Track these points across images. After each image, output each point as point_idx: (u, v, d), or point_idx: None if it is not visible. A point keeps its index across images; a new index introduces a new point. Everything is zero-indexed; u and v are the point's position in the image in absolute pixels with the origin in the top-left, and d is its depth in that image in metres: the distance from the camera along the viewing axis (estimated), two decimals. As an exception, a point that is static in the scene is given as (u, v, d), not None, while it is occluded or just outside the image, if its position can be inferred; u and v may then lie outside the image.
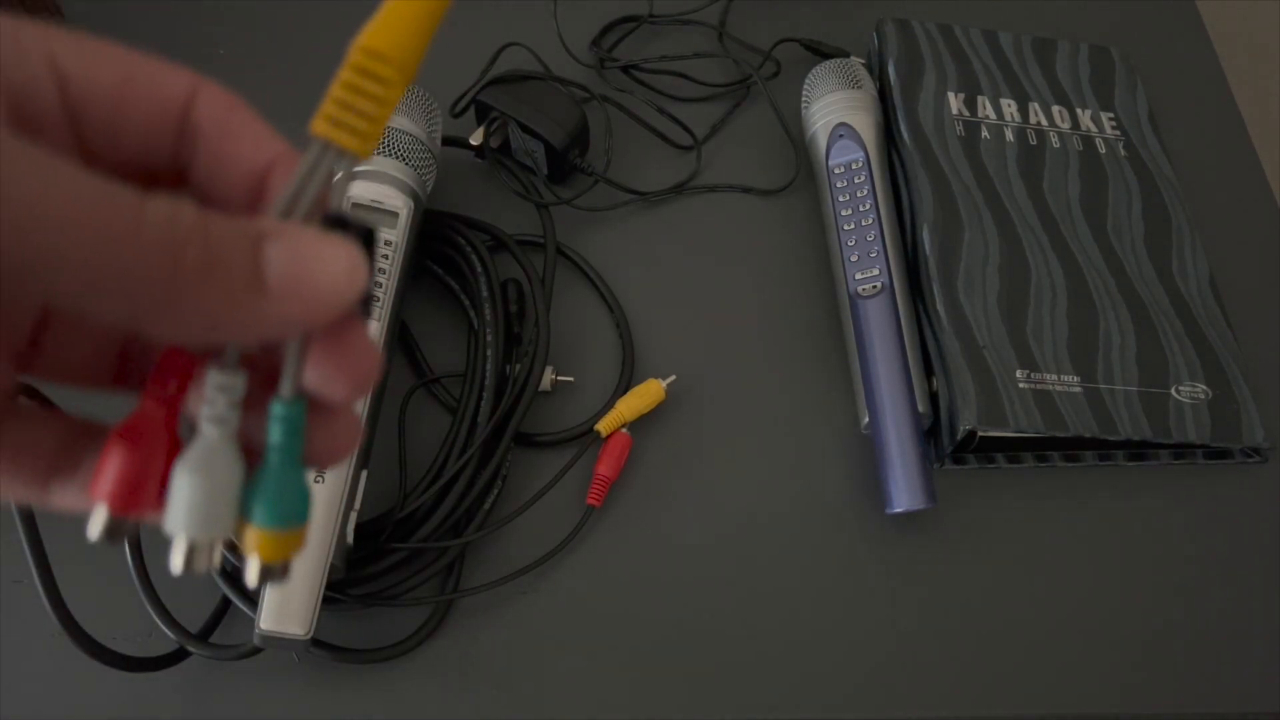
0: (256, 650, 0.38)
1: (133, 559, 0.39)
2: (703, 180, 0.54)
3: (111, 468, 0.16)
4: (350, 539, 0.39)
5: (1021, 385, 0.45)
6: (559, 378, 0.47)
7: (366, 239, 0.17)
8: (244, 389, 0.17)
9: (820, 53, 0.58)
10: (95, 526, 0.16)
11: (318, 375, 0.17)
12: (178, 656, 0.39)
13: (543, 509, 0.44)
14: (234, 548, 0.18)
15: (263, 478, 0.17)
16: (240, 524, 0.17)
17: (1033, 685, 0.42)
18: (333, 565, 0.37)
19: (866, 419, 0.45)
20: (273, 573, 0.17)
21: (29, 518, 0.36)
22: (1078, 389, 0.45)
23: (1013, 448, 0.47)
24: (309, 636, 0.36)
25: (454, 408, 0.46)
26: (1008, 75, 0.55)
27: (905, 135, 0.51)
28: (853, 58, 0.55)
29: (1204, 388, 0.47)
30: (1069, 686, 0.42)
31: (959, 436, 0.43)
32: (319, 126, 0.16)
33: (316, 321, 0.16)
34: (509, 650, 0.41)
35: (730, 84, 0.57)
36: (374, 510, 0.42)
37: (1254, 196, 0.57)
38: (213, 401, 0.17)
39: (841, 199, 0.50)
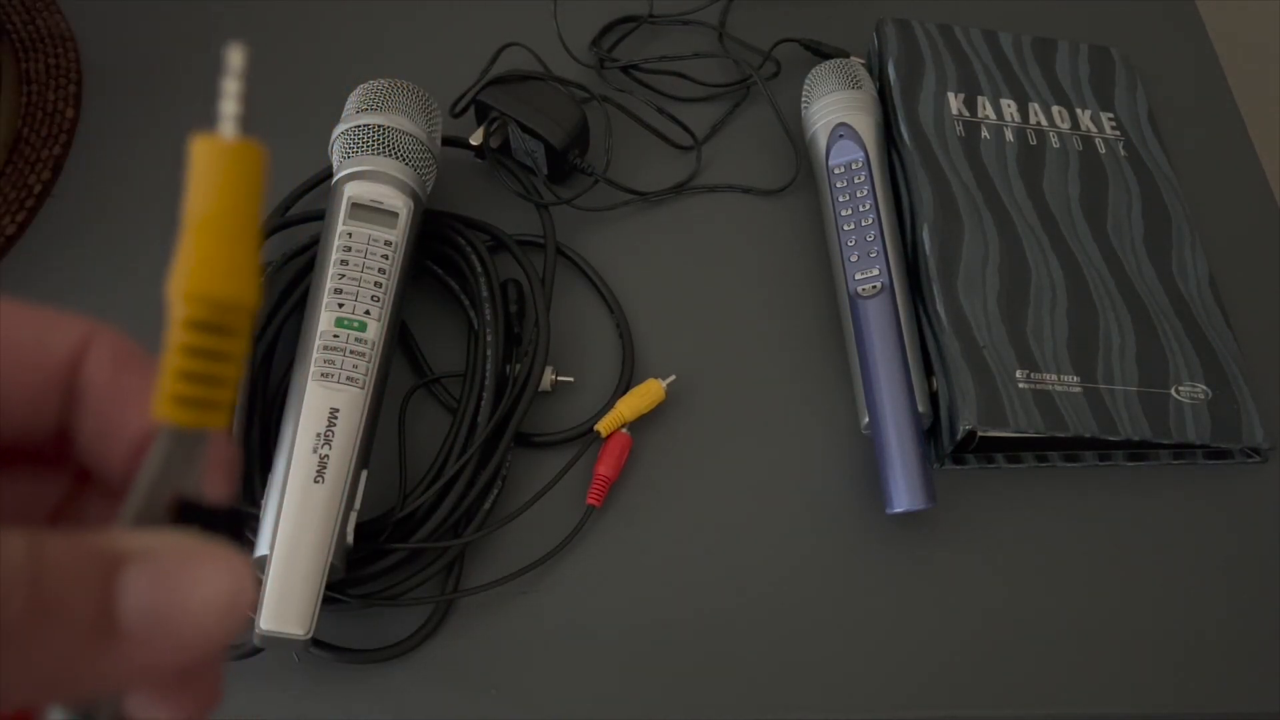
0: (256, 650, 0.38)
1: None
2: (703, 180, 0.54)
3: None
4: (350, 539, 0.38)
5: (1021, 385, 0.45)
6: (559, 378, 0.47)
7: (233, 524, 0.14)
8: None
9: (820, 53, 0.58)
10: None
11: (146, 699, 0.14)
12: (177, 656, 0.39)
13: (543, 509, 0.44)
14: None
15: None
16: None
17: (1033, 685, 0.42)
18: (332, 565, 0.37)
19: (866, 419, 0.45)
20: None
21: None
22: (1077, 389, 0.45)
23: (1013, 448, 0.47)
24: (309, 636, 0.36)
25: (454, 408, 0.46)
26: (1008, 75, 0.55)
27: (905, 135, 0.51)
28: (853, 58, 0.55)
29: (1204, 388, 0.47)
30: (1070, 687, 0.42)
31: (959, 436, 0.43)
32: (163, 411, 0.13)
33: (182, 666, 0.13)
34: (509, 650, 0.41)
35: (730, 84, 0.57)
36: (374, 510, 0.42)
37: (1254, 196, 0.57)
38: None
39: (841, 199, 0.50)
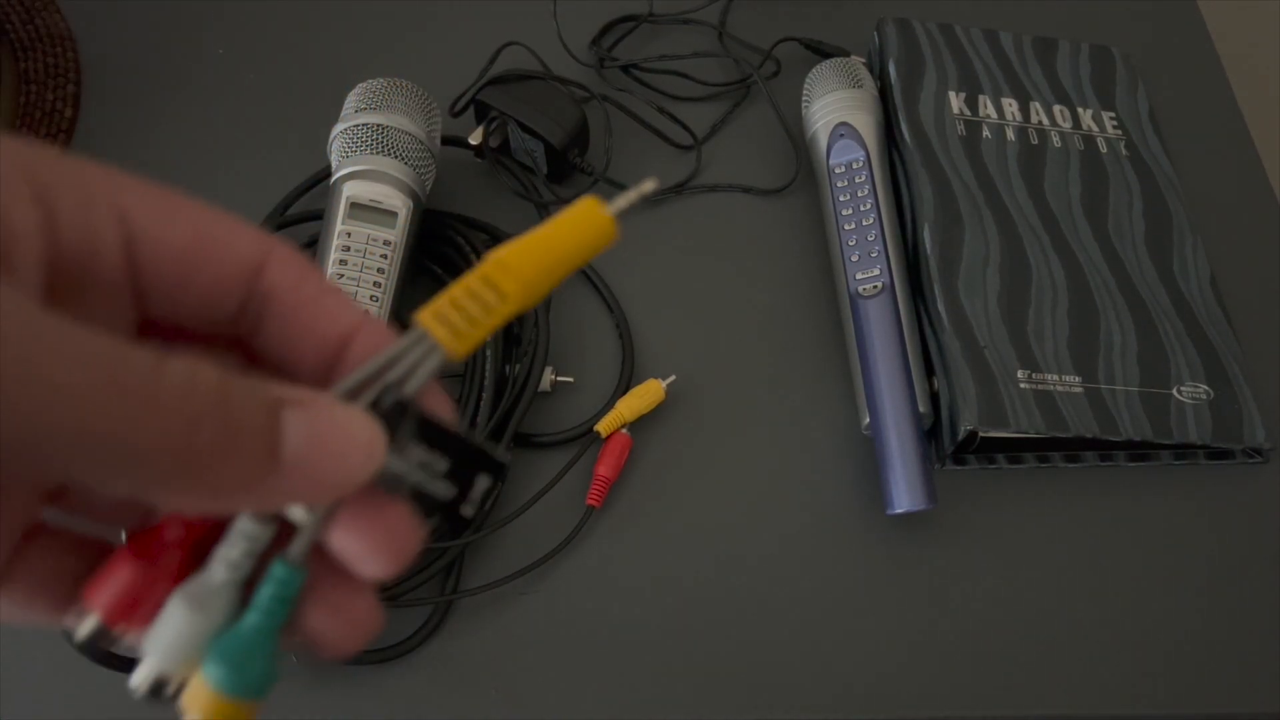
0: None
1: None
2: (703, 180, 0.54)
3: (114, 580, 0.16)
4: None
5: (1022, 385, 0.44)
6: (559, 378, 0.47)
7: (395, 416, 0.16)
8: (267, 542, 0.16)
9: (821, 52, 0.58)
10: (82, 631, 0.16)
11: (349, 546, 0.16)
12: (176, 657, 0.39)
13: (542, 509, 0.44)
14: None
15: (233, 634, 0.16)
16: (192, 686, 0.16)
17: (1034, 686, 0.42)
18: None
19: (867, 419, 0.45)
20: None
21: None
22: (1079, 389, 0.45)
23: (1014, 448, 0.46)
24: (308, 637, 0.36)
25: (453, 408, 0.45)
26: (1009, 75, 0.55)
27: (906, 134, 0.51)
28: (853, 57, 0.55)
29: (1205, 388, 0.46)
30: (1071, 687, 0.42)
31: (960, 437, 0.43)
32: (424, 317, 0.16)
33: (326, 499, 0.15)
34: (509, 651, 0.41)
35: (730, 83, 0.57)
36: (373, 511, 0.42)
37: (1255, 196, 0.56)
38: (232, 543, 0.16)
39: (842, 198, 0.50)
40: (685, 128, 0.55)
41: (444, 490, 0.17)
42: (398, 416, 0.16)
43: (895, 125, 0.52)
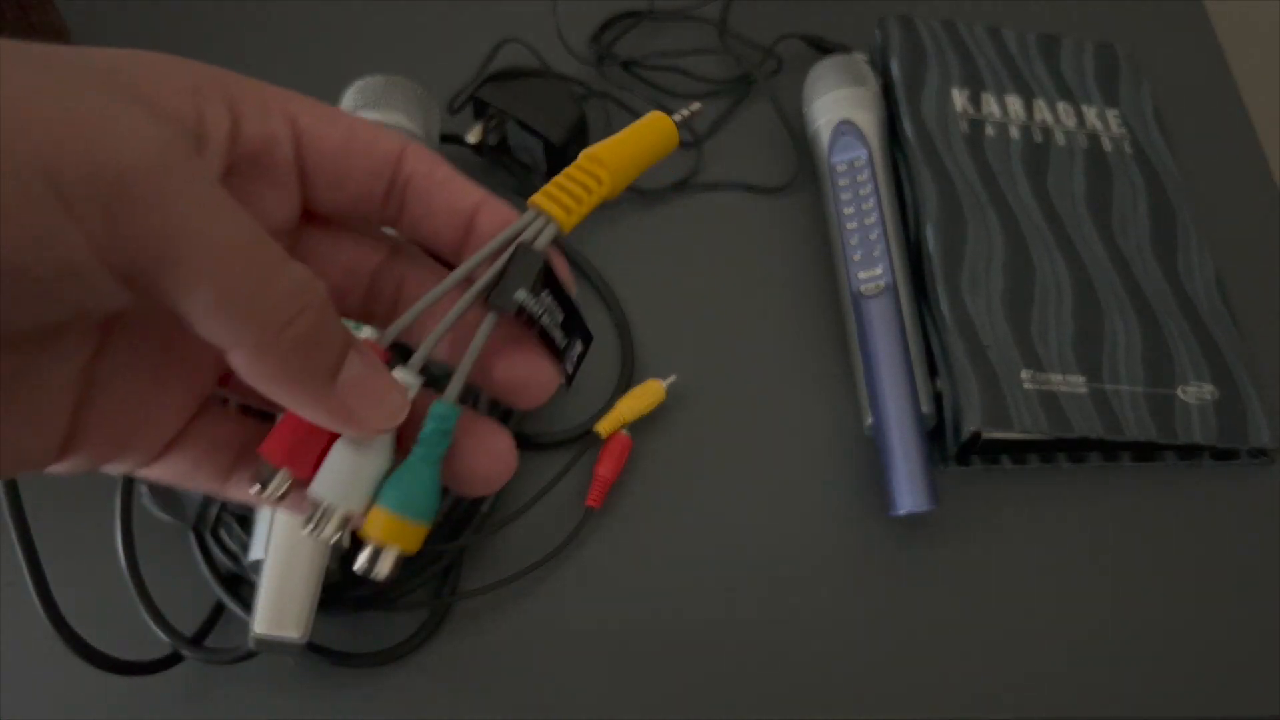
0: (251, 654, 0.38)
1: (126, 562, 0.39)
2: (703, 178, 0.54)
3: (282, 433, 0.18)
4: (346, 542, 0.38)
5: (1026, 386, 0.44)
6: (558, 378, 0.46)
7: (569, 308, 0.20)
8: (417, 388, 0.19)
9: (823, 49, 0.57)
10: (261, 477, 0.18)
11: (507, 376, 0.20)
12: (171, 660, 0.38)
13: (542, 511, 0.43)
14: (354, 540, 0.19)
15: (402, 469, 0.19)
16: (370, 507, 0.18)
17: (1037, 688, 0.42)
18: (328, 568, 0.37)
19: (869, 420, 0.45)
20: (381, 562, 0.18)
21: (21, 520, 0.35)
22: (1083, 389, 0.45)
23: (1018, 449, 0.46)
24: (304, 640, 0.36)
25: (452, 408, 0.45)
26: (1012, 72, 0.55)
27: (909, 132, 0.51)
28: (856, 54, 0.54)
29: (1210, 388, 0.46)
30: (1075, 689, 0.42)
31: (963, 438, 0.43)
32: (537, 199, 0.20)
33: (353, 430, 0.18)
34: (508, 654, 0.41)
35: (731, 80, 0.57)
36: (371, 512, 0.42)
37: (1260, 195, 0.56)
38: None
39: (844, 197, 0.49)
40: (686, 125, 0.55)
41: (560, 339, 0.20)
42: (534, 263, 0.19)
43: (898, 123, 0.52)
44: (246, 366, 0.16)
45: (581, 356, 0.21)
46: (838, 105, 0.51)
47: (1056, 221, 0.49)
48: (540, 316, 0.19)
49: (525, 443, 0.45)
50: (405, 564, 0.41)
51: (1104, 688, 0.42)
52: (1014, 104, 0.53)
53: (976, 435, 0.43)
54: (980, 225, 0.48)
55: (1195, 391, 0.46)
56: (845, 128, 0.50)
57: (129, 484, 0.39)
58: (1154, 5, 0.63)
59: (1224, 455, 0.47)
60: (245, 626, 0.36)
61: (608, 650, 0.41)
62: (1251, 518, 0.46)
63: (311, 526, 0.18)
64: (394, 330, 0.19)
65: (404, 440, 0.19)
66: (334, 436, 0.18)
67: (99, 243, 0.14)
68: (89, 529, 0.42)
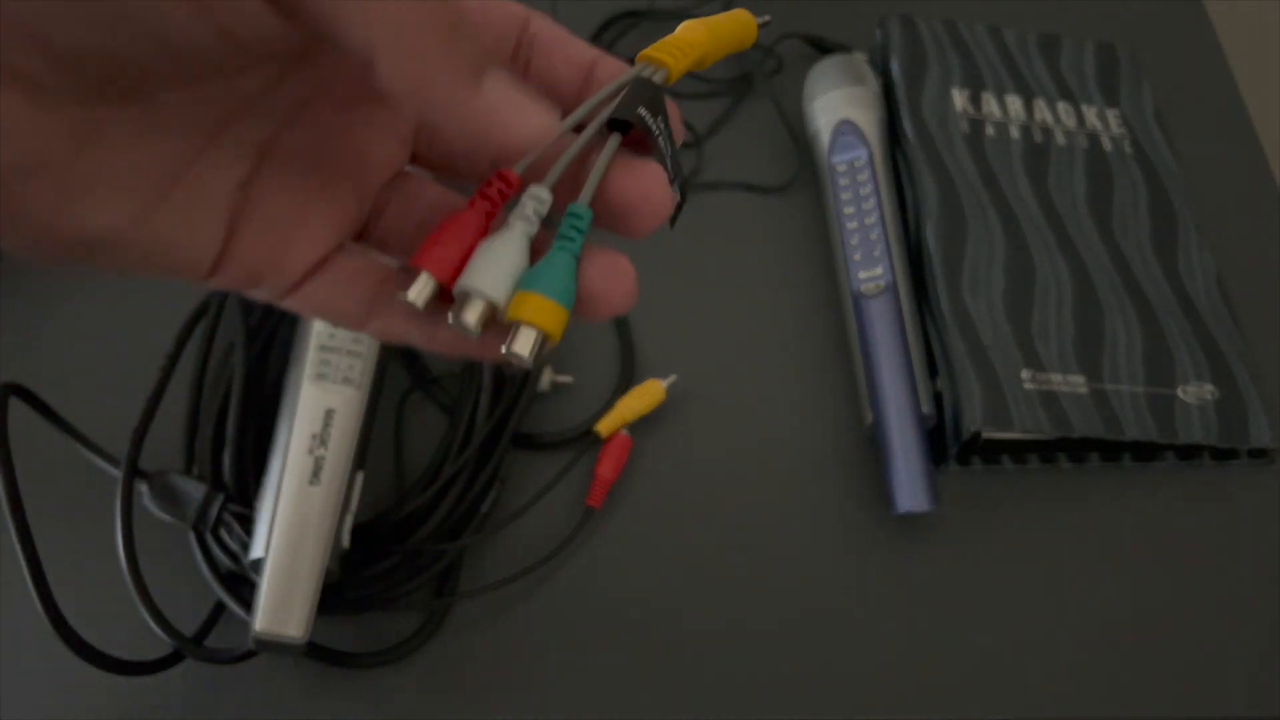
0: (251, 654, 0.38)
1: (127, 561, 0.39)
2: (703, 178, 0.54)
3: (427, 245, 0.20)
4: (346, 542, 0.38)
5: (1027, 386, 0.44)
6: (558, 378, 0.46)
7: (672, 152, 0.22)
8: (549, 205, 0.20)
9: (823, 49, 0.57)
10: (414, 291, 0.19)
11: (625, 193, 0.20)
12: (172, 660, 0.38)
13: (542, 511, 0.43)
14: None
15: (541, 262, 0.20)
16: (515, 298, 0.19)
17: (1037, 687, 0.42)
18: (328, 568, 0.37)
19: (870, 419, 0.45)
20: (519, 341, 0.19)
21: (21, 519, 0.35)
22: (1083, 389, 0.45)
23: (1018, 449, 0.46)
24: (305, 640, 0.36)
25: (451, 408, 0.45)
26: (1013, 72, 0.55)
27: (909, 132, 0.51)
28: (856, 54, 0.54)
29: (1211, 388, 0.46)
30: (1074, 689, 0.42)
31: (963, 438, 0.43)
32: (644, 53, 0.22)
33: (500, 142, 0.18)
34: (508, 654, 0.41)
35: (731, 80, 0.56)
36: (370, 512, 0.42)
37: (1261, 195, 0.56)
38: (523, 205, 0.20)
39: (844, 197, 0.49)
40: (686, 125, 0.55)
41: (671, 167, 0.22)
42: (652, 90, 0.21)
43: (898, 123, 0.52)
44: (392, 68, 0.16)
45: (679, 209, 0.22)
46: (838, 105, 0.51)
47: (1057, 221, 0.49)
48: (657, 137, 0.21)
49: (525, 443, 0.45)
50: (405, 565, 0.41)
51: (1104, 688, 0.42)
52: (1014, 104, 0.53)
53: (977, 435, 0.43)
54: (980, 225, 0.48)
55: (1195, 391, 0.46)
56: (845, 127, 0.50)
57: (129, 484, 0.39)
58: (1154, 5, 0.63)
59: (1224, 455, 0.47)
60: (246, 626, 0.36)
61: (608, 650, 0.41)
62: (1252, 517, 0.46)
63: (454, 315, 0.19)
64: (526, 161, 0.21)
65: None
66: (475, 244, 0.20)
67: None
68: (89, 529, 0.42)
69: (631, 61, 0.23)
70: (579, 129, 0.21)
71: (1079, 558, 0.45)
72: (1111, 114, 0.54)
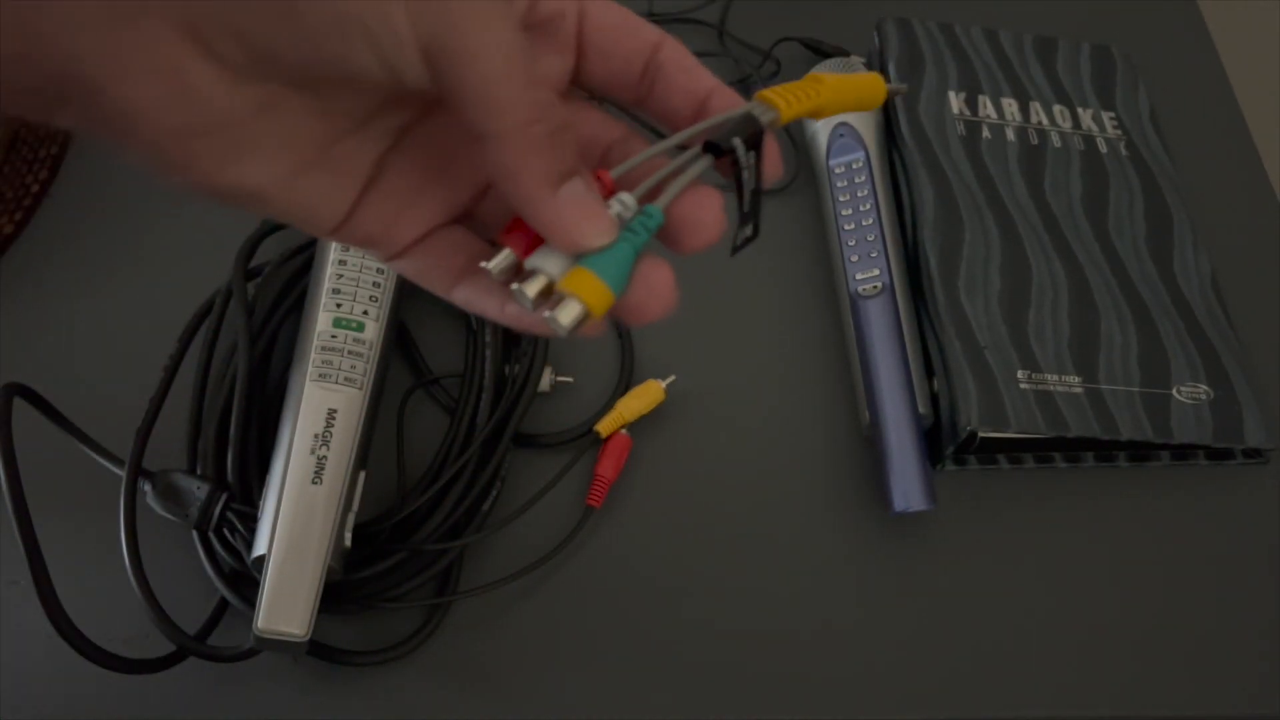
0: (254, 652, 0.38)
1: (130, 560, 0.39)
2: (702, 180, 0.54)
3: (510, 227, 0.22)
4: (348, 540, 0.38)
5: (1023, 386, 0.44)
6: (558, 378, 0.46)
7: (755, 191, 0.24)
8: (633, 213, 0.22)
9: (820, 52, 0.58)
10: (494, 263, 0.21)
11: (691, 214, 0.22)
12: (175, 658, 0.39)
13: (542, 510, 0.43)
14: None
15: (608, 248, 0.21)
16: (571, 272, 0.21)
17: (1034, 687, 0.42)
18: (330, 567, 0.37)
19: (867, 420, 0.45)
20: (563, 310, 0.20)
21: (25, 518, 0.36)
22: (1079, 389, 0.45)
23: (1014, 449, 0.46)
24: (307, 638, 0.36)
25: (452, 408, 0.45)
26: (1009, 74, 0.55)
27: (906, 135, 0.51)
28: (853, 56, 0.55)
29: (1205, 388, 0.46)
30: (1070, 688, 0.42)
31: (960, 438, 0.43)
32: (763, 94, 0.23)
33: (559, 243, 0.21)
34: (508, 652, 0.41)
35: (730, 83, 0.57)
36: (372, 511, 0.42)
37: (1256, 196, 0.56)
38: (609, 206, 0.21)
39: (842, 199, 0.50)
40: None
41: (748, 202, 0.24)
42: (754, 126, 0.22)
43: (895, 125, 0.52)
44: (494, 154, 0.20)
45: (748, 241, 0.25)
46: (836, 107, 0.51)
47: (1053, 223, 0.50)
48: (742, 171, 0.23)
49: (526, 442, 0.45)
50: (407, 564, 0.41)
51: (1100, 686, 0.42)
52: (1010, 106, 0.54)
53: (973, 435, 0.44)
54: (977, 227, 0.49)
55: (1190, 391, 0.46)
56: (843, 130, 0.51)
57: (133, 483, 0.39)
58: (1150, 8, 0.64)
59: (1219, 455, 0.47)
60: (248, 624, 0.36)
61: (608, 649, 0.42)
62: (1246, 517, 0.46)
63: (518, 285, 0.21)
64: (623, 168, 0.23)
65: None
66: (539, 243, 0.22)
67: (414, 15, 0.18)
68: (93, 527, 0.42)
69: (749, 97, 0.24)
70: (682, 148, 0.23)
71: (1075, 557, 0.45)
72: (1107, 116, 0.55)
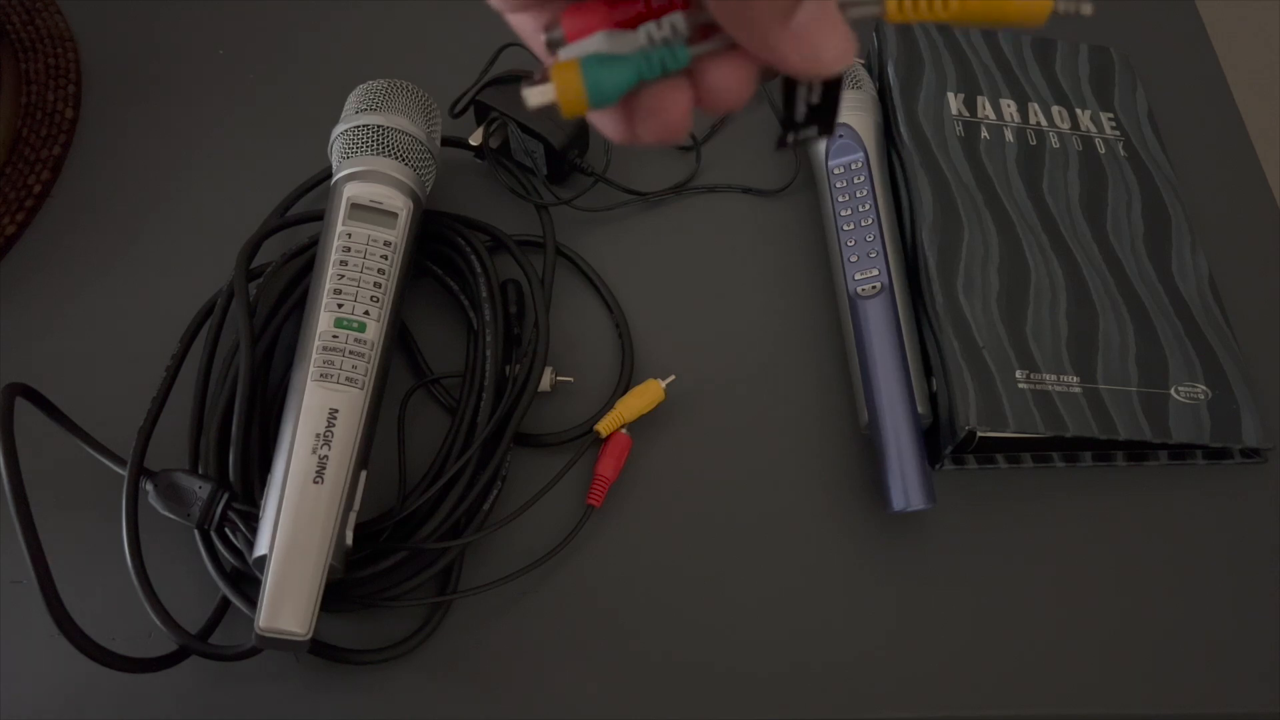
0: (256, 651, 0.38)
1: (132, 559, 0.39)
2: (702, 180, 0.54)
3: (576, 8, 0.21)
4: (349, 540, 0.38)
5: (1021, 386, 0.45)
6: (559, 378, 0.47)
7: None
8: (679, 35, 0.21)
9: (820, 53, 0.58)
10: (548, 34, 0.22)
11: (719, 79, 0.21)
12: (177, 657, 0.39)
13: (542, 509, 0.44)
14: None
15: (618, 58, 0.21)
16: (564, 63, 0.20)
17: (1032, 685, 0.42)
18: (332, 566, 0.37)
19: (866, 419, 0.45)
20: (535, 93, 0.20)
21: (27, 517, 0.36)
22: (1077, 389, 0.45)
23: (1012, 448, 0.47)
24: (308, 637, 0.36)
25: (453, 408, 0.46)
26: (1007, 75, 0.55)
27: (905, 135, 0.51)
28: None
29: (1203, 388, 0.47)
30: (1069, 687, 0.42)
31: (958, 437, 0.43)
32: None
33: (801, 70, 0.20)
34: (509, 651, 0.41)
35: (730, 84, 0.57)
36: (373, 511, 0.42)
37: (1253, 196, 0.57)
38: (660, 25, 0.21)
39: (841, 199, 0.50)
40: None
41: (818, 93, 0.22)
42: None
43: (894, 126, 0.53)
44: (717, 3, 0.19)
45: (807, 140, 0.23)
46: (835, 108, 0.51)
47: (1051, 223, 0.50)
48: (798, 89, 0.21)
49: (526, 442, 0.45)
50: (408, 563, 0.41)
51: (1098, 685, 0.42)
52: (1009, 107, 0.54)
53: (972, 434, 0.44)
54: (976, 227, 0.49)
55: (1188, 391, 0.46)
56: (842, 131, 0.51)
57: (135, 483, 0.39)
58: (1148, 9, 0.64)
59: (1217, 455, 0.47)
60: (250, 623, 0.36)
61: (608, 648, 0.42)
62: (1244, 516, 0.47)
63: (527, 82, 0.20)
64: None
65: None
66: (603, 26, 0.21)
67: None
68: (95, 527, 0.42)
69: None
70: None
71: (1072, 556, 0.45)
72: (1105, 117, 0.55)
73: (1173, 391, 0.46)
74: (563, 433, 0.46)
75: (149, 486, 0.40)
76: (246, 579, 0.41)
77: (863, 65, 0.54)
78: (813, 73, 0.20)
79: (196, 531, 0.40)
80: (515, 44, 0.55)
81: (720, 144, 0.56)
